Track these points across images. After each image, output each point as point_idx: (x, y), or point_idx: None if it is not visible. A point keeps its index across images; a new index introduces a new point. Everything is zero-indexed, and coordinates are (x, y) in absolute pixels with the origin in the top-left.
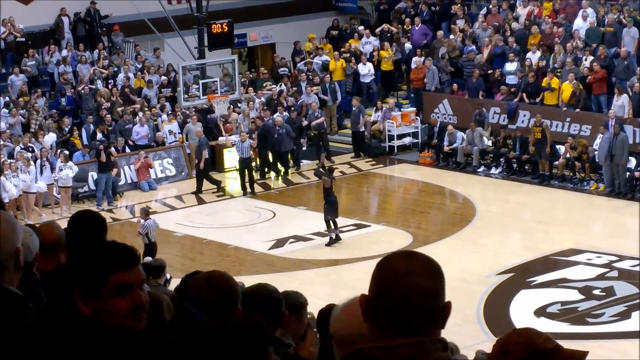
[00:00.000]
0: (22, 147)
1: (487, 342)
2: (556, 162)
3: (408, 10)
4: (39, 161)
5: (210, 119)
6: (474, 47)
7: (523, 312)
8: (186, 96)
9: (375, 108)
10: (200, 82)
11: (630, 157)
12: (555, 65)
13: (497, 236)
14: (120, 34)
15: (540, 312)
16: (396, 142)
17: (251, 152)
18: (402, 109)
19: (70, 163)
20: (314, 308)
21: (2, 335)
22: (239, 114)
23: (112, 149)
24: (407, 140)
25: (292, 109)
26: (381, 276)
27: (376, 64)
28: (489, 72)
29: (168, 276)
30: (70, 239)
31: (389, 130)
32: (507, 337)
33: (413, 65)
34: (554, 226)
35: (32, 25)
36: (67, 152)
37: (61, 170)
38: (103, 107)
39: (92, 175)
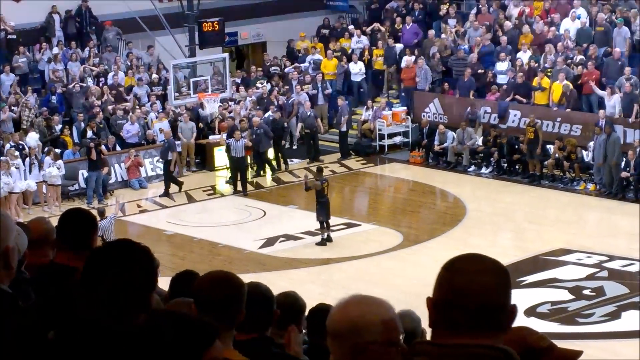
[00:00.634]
0: (12, 144)
1: None
2: (546, 162)
3: (399, 9)
4: (27, 159)
5: (201, 117)
6: (465, 46)
7: None
8: (177, 94)
9: (365, 107)
10: (191, 80)
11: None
12: (546, 65)
13: (487, 236)
14: (113, 29)
15: (530, 312)
16: (387, 141)
17: (244, 152)
18: (392, 108)
19: (59, 162)
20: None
21: None
22: (230, 112)
23: (103, 147)
24: (397, 139)
25: (282, 108)
26: (446, 279)
27: (367, 63)
28: (479, 71)
29: None
30: (61, 237)
31: (379, 130)
32: None
33: (403, 65)
34: (544, 226)
35: (23, 23)
36: (57, 150)
37: (49, 166)
38: (95, 105)
39: (83, 173)
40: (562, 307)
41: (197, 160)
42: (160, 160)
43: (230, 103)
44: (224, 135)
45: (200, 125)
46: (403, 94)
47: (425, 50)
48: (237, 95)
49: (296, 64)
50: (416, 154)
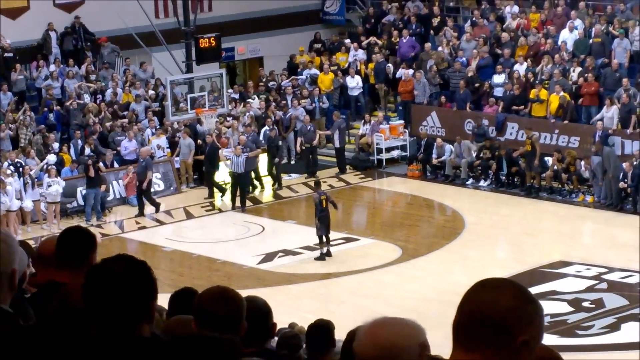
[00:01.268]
0: (10, 162)
1: None
2: (544, 175)
3: (396, 22)
4: (22, 178)
5: (199, 133)
6: (464, 59)
7: None
8: (174, 110)
9: (363, 121)
10: (188, 96)
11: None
12: (543, 77)
13: (486, 249)
14: (109, 46)
15: None
16: (384, 155)
17: (245, 168)
18: (390, 122)
19: (58, 178)
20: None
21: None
22: (228, 127)
23: (101, 164)
24: (395, 153)
25: (280, 122)
26: (468, 303)
27: (364, 77)
28: (476, 84)
29: None
30: (60, 256)
31: (377, 143)
32: None
33: (400, 77)
34: (542, 238)
35: (20, 40)
36: (55, 168)
37: (50, 186)
38: (90, 122)
39: (81, 190)
40: (561, 319)
41: (195, 177)
42: (136, 181)
43: (228, 118)
44: (224, 151)
45: (199, 141)
46: (400, 108)
47: (422, 63)
48: (235, 111)
49: (293, 77)
50: (414, 167)
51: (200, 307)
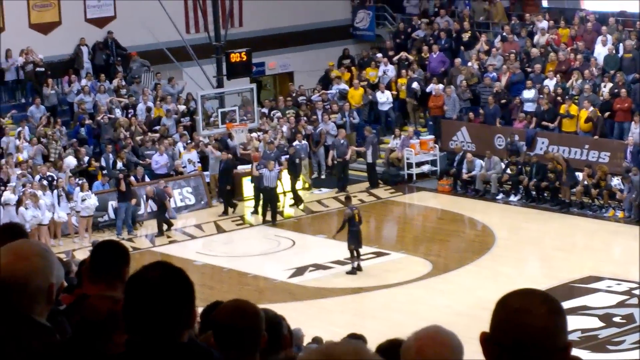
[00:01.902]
0: (41, 176)
1: None
2: (574, 189)
3: (426, 38)
4: (56, 191)
5: (230, 147)
6: (493, 74)
7: None
8: (205, 124)
9: (393, 136)
10: (219, 110)
11: None
12: (573, 92)
13: (516, 264)
14: (138, 60)
15: None
16: (415, 170)
17: (277, 182)
18: (420, 137)
19: (89, 192)
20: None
21: None
22: (259, 141)
23: (132, 178)
24: (425, 168)
25: (310, 137)
26: (499, 314)
27: (396, 93)
28: (502, 100)
29: None
30: (93, 269)
31: (407, 158)
32: None
33: (430, 92)
34: (573, 253)
35: (52, 55)
36: (85, 182)
37: (84, 200)
38: (122, 136)
39: (112, 204)
40: (592, 334)
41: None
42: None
43: (258, 133)
44: (254, 165)
45: (229, 155)
46: (431, 123)
47: (452, 78)
48: (272, 125)
49: (323, 92)
50: (444, 182)
51: (216, 322)
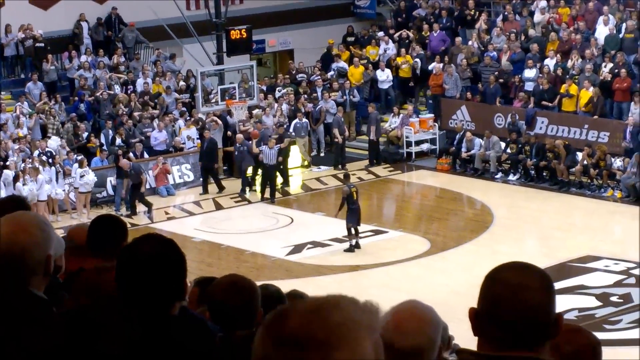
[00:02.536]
0: (40, 152)
1: None
2: (573, 169)
3: (427, 16)
4: (53, 168)
5: (229, 124)
6: (494, 53)
7: None
8: (203, 101)
9: (392, 114)
10: (219, 87)
11: None
12: (573, 72)
13: (514, 243)
14: (135, 30)
15: None
16: (414, 149)
17: (276, 159)
18: (420, 116)
19: (87, 168)
20: None
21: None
22: (257, 120)
23: (131, 155)
24: (425, 146)
25: (310, 115)
26: (492, 289)
27: (395, 71)
28: (501, 80)
29: None
30: (91, 244)
31: (406, 137)
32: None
33: (430, 71)
34: (571, 233)
35: (51, 31)
36: (84, 158)
37: (83, 176)
38: (120, 113)
39: (111, 180)
40: (589, 313)
41: (224, 168)
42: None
43: (258, 110)
44: (254, 143)
45: (228, 133)
46: (430, 101)
47: (452, 57)
48: (264, 103)
49: (322, 72)
50: (443, 161)
51: (211, 298)
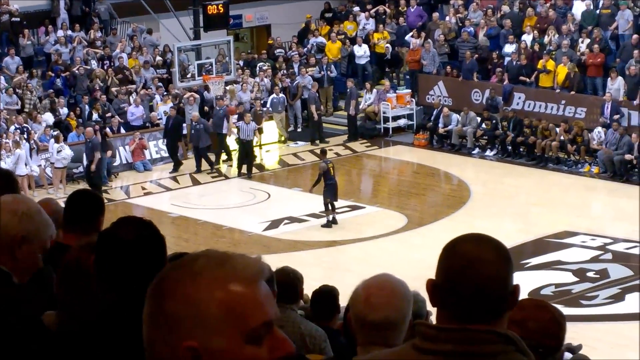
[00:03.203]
0: (17, 127)
1: None
2: (551, 144)
3: None
4: (28, 144)
5: (206, 100)
6: (471, 29)
7: None
8: (180, 76)
9: (365, 90)
10: (196, 63)
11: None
12: (550, 47)
13: (491, 218)
14: (106, 3)
15: (534, 294)
16: (391, 124)
17: (253, 135)
18: (397, 91)
19: (64, 144)
20: (308, 289)
21: None
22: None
23: (108, 130)
24: (402, 122)
25: (287, 90)
26: (447, 261)
27: (372, 46)
28: (476, 55)
29: None
30: (68, 219)
31: (384, 112)
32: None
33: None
34: (548, 208)
35: (27, 6)
36: (60, 133)
37: (59, 151)
38: (97, 88)
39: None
40: (566, 289)
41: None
42: (87, 161)
43: (234, 85)
44: (233, 119)
45: (205, 108)
46: (407, 77)
47: (429, 32)
48: (241, 78)
49: (299, 47)
50: (420, 136)
51: None
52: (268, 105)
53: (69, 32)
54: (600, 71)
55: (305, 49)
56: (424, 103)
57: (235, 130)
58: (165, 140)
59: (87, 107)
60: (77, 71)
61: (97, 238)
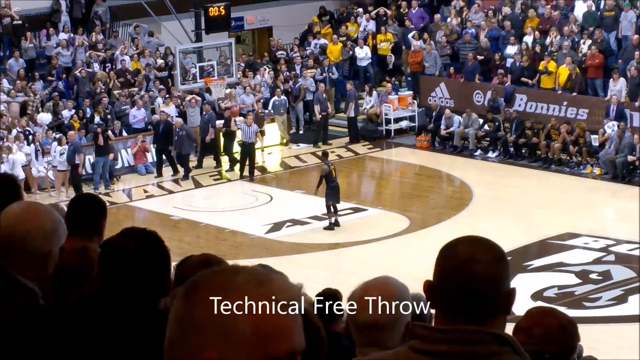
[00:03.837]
0: (20, 130)
1: None
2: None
3: None
4: (33, 146)
5: (208, 102)
6: (472, 30)
7: (520, 296)
8: (182, 79)
9: (366, 92)
10: (197, 65)
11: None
12: (552, 49)
13: (494, 220)
14: (104, 5)
15: (537, 296)
16: (393, 126)
17: (255, 137)
18: (399, 93)
19: (67, 146)
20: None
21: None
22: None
23: (110, 133)
24: (404, 123)
25: (289, 92)
26: (442, 262)
27: (373, 48)
28: (480, 57)
29: None
30: (70, 223)
31: (385, 114)
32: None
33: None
34: (551, 210)
35: (29, 9)
36: (63, 136)
37: (62, 154)
38: (99, 90)
39: (89, 158)
40: (569, 291)
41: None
42: (68, 165)
43: (236, 88)
44: (235, 120)
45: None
46: (409, 78)
47: (431, 34)
48: (244, 81)
49: (301, 49)
50: (422, 138)
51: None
52: (270, 107)
53: (71, 35)
54: (599, 72)
55: (308, 50)
56: (425, 105)
57: (239, 132)
58: (155, 146)
59: (89, 109)
60: (78, 74)
61: (94, 244)
